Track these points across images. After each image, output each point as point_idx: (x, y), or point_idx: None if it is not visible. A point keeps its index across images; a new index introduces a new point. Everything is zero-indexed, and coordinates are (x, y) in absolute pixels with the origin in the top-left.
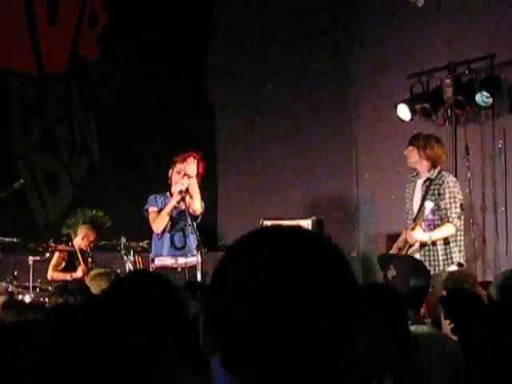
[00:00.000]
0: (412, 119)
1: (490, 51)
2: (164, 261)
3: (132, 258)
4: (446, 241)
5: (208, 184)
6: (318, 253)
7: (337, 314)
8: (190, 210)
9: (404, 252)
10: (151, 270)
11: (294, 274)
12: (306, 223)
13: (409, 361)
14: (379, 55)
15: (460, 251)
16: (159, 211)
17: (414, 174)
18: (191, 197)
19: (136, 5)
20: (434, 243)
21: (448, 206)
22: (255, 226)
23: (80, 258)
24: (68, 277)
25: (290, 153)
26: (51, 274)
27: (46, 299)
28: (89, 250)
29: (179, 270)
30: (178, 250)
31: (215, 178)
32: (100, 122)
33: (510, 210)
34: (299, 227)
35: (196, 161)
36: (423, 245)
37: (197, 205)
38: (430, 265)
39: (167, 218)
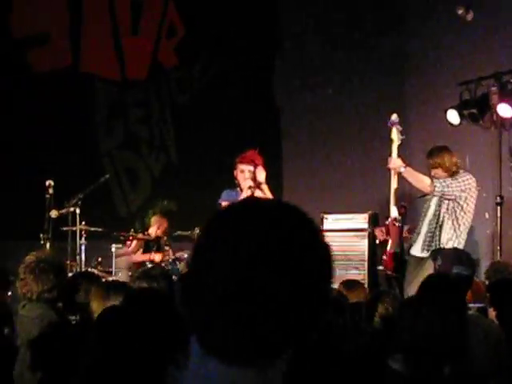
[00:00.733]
0: (460, 123)
1: None
2: None
3: None
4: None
5: (274, 182)
6: (293, 225)
7: (306, 283)
8: None
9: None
10: None
11: (269, 247)
12: (363, 217)
13: (465, 349)
14: (430, 65)
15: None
16: None
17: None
18: (260, 189)
19: (210, 18)
20: (441, 226)
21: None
22: (316, 219)
23: (156, 245)
24: (147, 258)
25: (350, 154)
26: (134, 257)
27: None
28: (165, 238)
29: None
30: None
31: (280, 175)
32: (176, 123)
33: None
34: (279, 201)
35: (260, 167)
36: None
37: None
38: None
39: None
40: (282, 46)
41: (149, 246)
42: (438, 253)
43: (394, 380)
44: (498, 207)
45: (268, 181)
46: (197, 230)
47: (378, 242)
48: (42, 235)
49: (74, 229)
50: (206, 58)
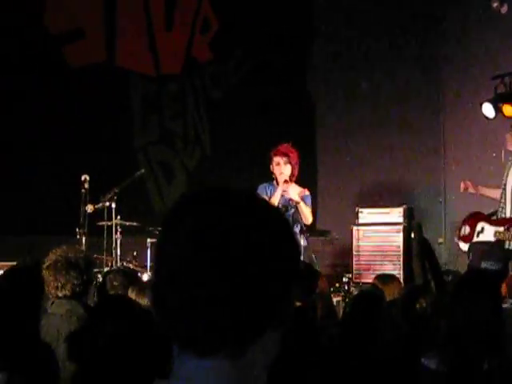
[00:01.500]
0: (495, 117)
1: None
2: None
3: None
4: None
5: (308, 175)
6: (250, 212)
7: (251, 265)
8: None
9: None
10: None
11: (230, 232)
12: (398, 211)
13: (503, 341)
14: (466, 58)
15: None
16: (269, 198)
17: (511, 158)
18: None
19: (244, 12)
20: None
21: None
22: (351, 213)
23: None
24: None
25: (385, 148)
26: None
27: None
28: None
29: None
30: None
31: (315, 169)
32: (211, 117)
33: None
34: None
35: (287, 159)
36: None
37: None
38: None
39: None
40: (316, 41)
41: None
42: (470, 248)
43: (428, 378)
44: None
45: (301, 174)
46: None
47: None
48: (77, 230)
49: (110, 223)
50: (240, 52)
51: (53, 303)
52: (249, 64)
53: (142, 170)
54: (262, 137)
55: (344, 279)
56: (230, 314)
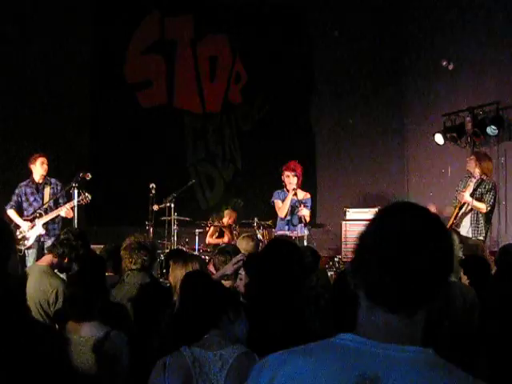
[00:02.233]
0: (444, 144)
1: (496, 98)
2: (284, 233)
3: (261, 231)
4: (486, 218)
5: (310, 184)
6: (429, 219)
7: (440, 260)
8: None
9: (456, 211)
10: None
11: (416, 231)
12: (374, 210)
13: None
14: (423, 101)
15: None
16: (282, 201)
17: (467, 175)
18: (298, 187)
19: (265, 69)
20: (478, 217)
21: (488, 196)
22: (341, 211)
23: (227, 231)
24: (220, 242)
25: (365, 167)
26: (208, 240)
27: (206, 257)
28: (233, 225)
29: (293, 238)
30: (294, 226)
31: (315, 179)
32: (241, 143)
33: (508, 204)
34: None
35: (295, 173)
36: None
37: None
38: (476, 230)
39: (287, 207)
40: (316, 90)
41: (222, 231)
42: None
43: None
44: None
45: (305, 183)
46: (256, 219)
47: None
48: (146, 222)
49: (169, 218)
50: (261, 97)
51: (128, 275)
52: (268, 106)
53: (193, 181)
54: (277, 156)
55: (335, 259)
56: (429, 289)
